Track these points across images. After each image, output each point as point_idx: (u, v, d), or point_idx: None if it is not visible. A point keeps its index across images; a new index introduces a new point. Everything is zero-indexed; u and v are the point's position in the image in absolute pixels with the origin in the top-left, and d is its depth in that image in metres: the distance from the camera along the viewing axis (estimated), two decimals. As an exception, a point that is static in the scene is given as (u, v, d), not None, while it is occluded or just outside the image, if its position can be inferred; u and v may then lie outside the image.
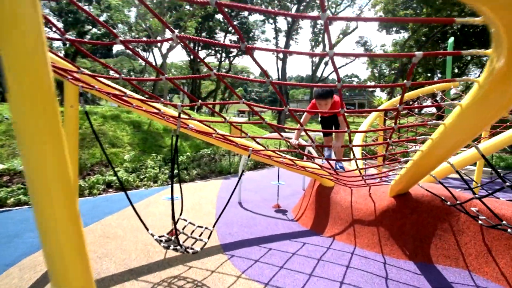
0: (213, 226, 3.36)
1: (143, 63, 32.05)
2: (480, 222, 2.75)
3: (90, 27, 22.58)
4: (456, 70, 24.97)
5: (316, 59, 30.94)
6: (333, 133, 4.34)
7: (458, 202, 2.92)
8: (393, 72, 28.42)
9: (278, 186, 5.99)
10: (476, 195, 2.54)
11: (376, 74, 33.40)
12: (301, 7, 27.19)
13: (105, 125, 10.08)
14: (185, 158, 9.15)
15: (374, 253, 3.78)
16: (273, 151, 3.32)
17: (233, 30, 32.36)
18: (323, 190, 4.80)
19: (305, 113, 3.81)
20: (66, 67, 2.36)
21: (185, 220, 3.95)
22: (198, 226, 3.81)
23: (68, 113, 3.05)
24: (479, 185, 4.18)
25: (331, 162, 3.77)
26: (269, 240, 4.29)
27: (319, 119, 4.45)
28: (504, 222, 2.48)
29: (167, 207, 5.69)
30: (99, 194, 6.56)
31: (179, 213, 3.91)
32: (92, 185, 6.61)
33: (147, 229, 3.21)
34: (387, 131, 8.94)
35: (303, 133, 3.01)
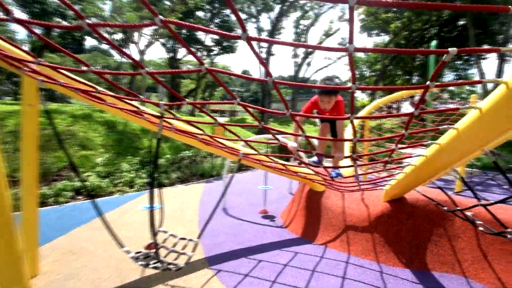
0: (198, 237, 3.02)
1: (119, 59, 30.70)
2: (480, 229, 2.62)
3: (60, 19, 21.20)
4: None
5: (299, 59, 31.02)
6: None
7: (458, 208, 2.78)
8: (373, 74, 29.07)
9: (265, 190, 5.72)
10: (481, 202, 2.40)
11: (358, 75, 34.06)
12: (284, 7, 27.12)
13: (75, 126, 9.35)
14: (164, 161, 8.66)
15: (369, 261, 3.60)
16: (266, 155, 3.03)
17: (215, 29, 31.77)
18: (314, 195, 4.58)
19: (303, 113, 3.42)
20: (20, 56, 1.94)
21: (166, 232, 3.57)
22: (181, 238, 3.44)
23: (26, 113, 2.59)
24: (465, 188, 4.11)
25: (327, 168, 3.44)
26: (258, 250, 3.99)
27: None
28: (509, 229, 2.34)
29: (144, 215, 5.24)
30: (66, 202, 5.96)
31: (158, 224, 3.53)
32: (58, 192, 6.00)
33: (122, 246, 2.81)
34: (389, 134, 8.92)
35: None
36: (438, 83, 1.50)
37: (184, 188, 7.75)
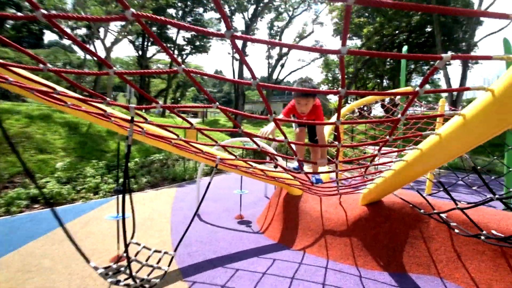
0: (175, 250, 2.80)
1: (83, 56, 28.81)
2: (456, 231, 2.68)
3: (14, 11, 19.50)
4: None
5: (273, 61, 31.18)
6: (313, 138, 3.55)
7: (435, 211, 2.82)
8: (346, 77, 29.97)
9: (240, 195, 5.56)
10: (458, 206, 2.43)
11: (330, 78, 34.94)
12: (259, 8, 27.13)
13: (31, 127, 8.56)
14: (133, 164, 8.18)
15: (348, 265, 3.57)
16: (244, 161, 2.87)
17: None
18: (291, 199, 4.50)
19: (281, 116, 3.04)
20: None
21: (138, 244, 3.28)
22: (156, 251, 3.18)
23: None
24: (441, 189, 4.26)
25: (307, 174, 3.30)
26: (234, 259, 3.82)
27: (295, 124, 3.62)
28: (484, 232, 2.40)
29: (110, 224, 4.86)
30: (20, 212, 5.38)
31: (130, 235, 3.23)
32: (11, 201, 5.39)
33: (88, 261, 2.51)
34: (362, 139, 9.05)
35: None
36: (427, 90, 1.44)
37: (154, 193, 7.36)
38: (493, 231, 2.83)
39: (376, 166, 2.77)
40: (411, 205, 3.44)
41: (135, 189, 7.43)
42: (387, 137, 1.79)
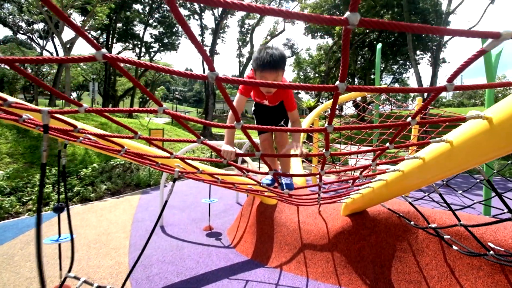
0: (129, 274, 2.22)
1: (42, 52, 26.56)
2: (455, 248, 2.32)
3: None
4: (372, 76, 27.84)
5: (244, 59, 30.65)
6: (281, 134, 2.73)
7: (431, 225, 2.44)
8: (317, 75, 30.13)
9: (209, 204, 4.99)
10: (461, 222, 2.06)
11: (302, 77, 34.98)
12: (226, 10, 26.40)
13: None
14: (90, 171, 7.30)
15: (331, 285, 3.13)
16: (210, 174, 2.34)
17: (154, 23, 29.48)
18: (265, 209, 4.01)
19: (239, 96, 2.27)
20: None
21: (77, 279, 2.65)
22: (99, 287, 2.57)
23: None
24: (426, 194, 3.98)
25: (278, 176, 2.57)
26: (202, 281, 3.27)
27: (253, 108, 2.77)
28: (491, 252, 2.05)
29: (54, 249, 4.10)
30: None
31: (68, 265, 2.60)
32: None
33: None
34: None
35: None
36: (458, 85, 1.00)
37: (115, 202, 6.59)
38: (490, 244, 2.51)
39: (366, 177, 2.36)
40: (398, 215, 3.07)
41: (92, 198, 6.62)
42: (387, 144, 1.35)
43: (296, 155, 1.84)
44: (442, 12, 22.64)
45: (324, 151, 1.30)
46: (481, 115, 1.14)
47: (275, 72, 2.03)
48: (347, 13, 0.63)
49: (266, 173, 1.68)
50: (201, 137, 1.31)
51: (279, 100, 2.40)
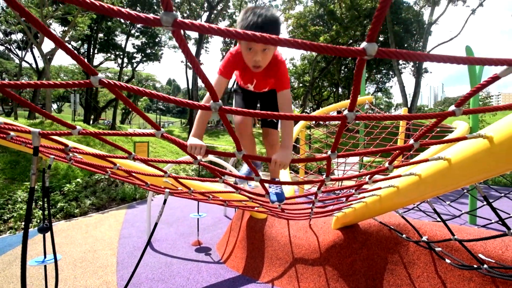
0: None
1: (18, 63, 25.77)
2: (448, 261, 2.34)
3: None
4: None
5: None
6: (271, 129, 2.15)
7: (423, 239, 2.46)
8: (301, 85, 30.52)
9: (198, 218, 4.88)
10: (455, 237, 2.08)
11: None
12: (212, 15, 26.58)
13: None
14: (74, 186, 7.04)
15: (323, 301, 3.10)
16: (201, 193, 2.28)
17: (136, 34, 29.27)
18: (255, 223, 3.95)
19: (218, 78, 1.77)
20: None
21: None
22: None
23: None
24: (415, 205, 4.03)
25: (266, 185, 2.00)
26: (191, 303, 3.16)
27: (234, 86, 2.23)
28: (485, 266, 2.07)
29: (38, 271, 3.90)
30: None
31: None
32: None
33: None
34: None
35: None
36: (466, 110, 0.98)
37: (100, 217, 6.36)
38: (481, 255, 2.54)
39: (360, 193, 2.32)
40: (389, 228, 3.09)
41: (76, 214, 6.37)
42: (386, 164, 1.35)
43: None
44: (424, 22, 23.47)
45: (324, 177, 1.26)
46: (482, 134, 1.14)
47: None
48: (365, 44, 0.60)
49: (263, 195, 1.62)
50: (162, 129, 1.10)
51: (268, 82, 1.88)
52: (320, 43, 0.59)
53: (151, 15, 0.55)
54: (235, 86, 2.17)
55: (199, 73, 0.74)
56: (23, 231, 1.29)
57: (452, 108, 0.90)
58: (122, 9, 0.54)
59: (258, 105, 2.20)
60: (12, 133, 1.50)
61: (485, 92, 23.12)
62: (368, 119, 0.90)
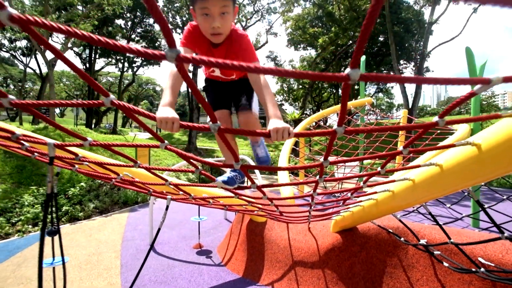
0: None
1: (25, 69, 26.03)
2: (446, 265, 2.37)
3: None
4: (356, 87, 28.42)
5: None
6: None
7: (421, 242, 2.49)
8: (301, 87, 30.54)
9: (199, 222, 4.94)
10: (451, 241, 2.11)
11: (286, 89, 35.40)
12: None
13: None
14: (78, 190, 7.12)
15: (323, 303, 3.13)
16: (202, 199, 2.33)
17: (137, 38, 29.53)
18: (255, 226, 3.99)
19: (184, 49, 1.57)
20: None
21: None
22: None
23: None
24: (414, 208, 4.06)
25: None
26: (192, 305, 3.20)
27: (204, 84, 2.08)
28: (482, 269, 2.09)
29: (47, 272, 3.95)
30: None
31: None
32: None
33: None
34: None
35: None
36: (448, 120, 1.03)
37: (103, 220, 6.43)
38: (481, 259, 2.56)
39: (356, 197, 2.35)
40: (387, 231, 3.12)
41: (80, 217, 6.44)
42: (378, 169, 1.40)
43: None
44: (424, 21, 23.28)
45: (322, 159, 1.23)
46: (470, 141, 1.17)
47: None
48: (348, 70, 0.63)
49: (260, 198, 1.66)
50: (166, 141, 1.15)
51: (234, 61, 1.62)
52: (311, 72, 0.64)
53: (157, 52, 0.63)
54: (204, 84, 2.03)
55: (201, 101, 0.81)
56: (39, 235, 1.38)
57: (435, 119, 0.94)
58: (132, 47, 0.62)
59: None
60: (26, 143, 1.58)
61: (490, 91, 22.92)
62: (356, 132, 0.94)
